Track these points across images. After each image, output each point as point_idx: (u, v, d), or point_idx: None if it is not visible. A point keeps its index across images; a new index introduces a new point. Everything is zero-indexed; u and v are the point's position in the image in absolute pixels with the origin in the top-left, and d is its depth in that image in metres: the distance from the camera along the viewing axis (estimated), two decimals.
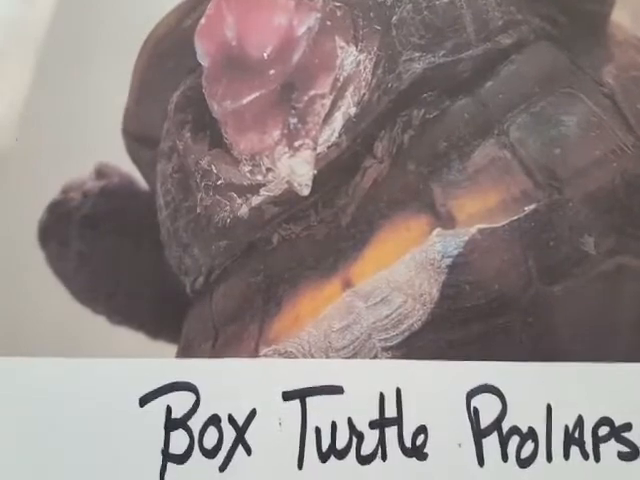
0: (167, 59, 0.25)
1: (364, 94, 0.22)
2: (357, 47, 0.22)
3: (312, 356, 0.21)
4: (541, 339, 0.21)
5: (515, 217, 0.21)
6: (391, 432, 0.19)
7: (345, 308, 0.21)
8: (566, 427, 0.20)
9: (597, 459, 0.19)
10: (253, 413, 0.20)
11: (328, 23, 0.23)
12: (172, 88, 0.25)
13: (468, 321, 0.20)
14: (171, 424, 0.19)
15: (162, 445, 0.19)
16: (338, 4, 0.23)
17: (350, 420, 0.20)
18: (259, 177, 0.22)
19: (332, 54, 0.22)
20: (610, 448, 0.19)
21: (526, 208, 0.21)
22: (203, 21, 0.23)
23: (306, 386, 0.20)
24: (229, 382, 0.20)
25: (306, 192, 0.21)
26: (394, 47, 0.22)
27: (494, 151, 0.21)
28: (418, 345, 0.20)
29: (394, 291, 0.21)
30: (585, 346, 0.21)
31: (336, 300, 0.21)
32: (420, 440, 0.19)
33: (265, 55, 0.22)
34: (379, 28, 0.23)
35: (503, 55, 0.23)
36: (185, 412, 0.20)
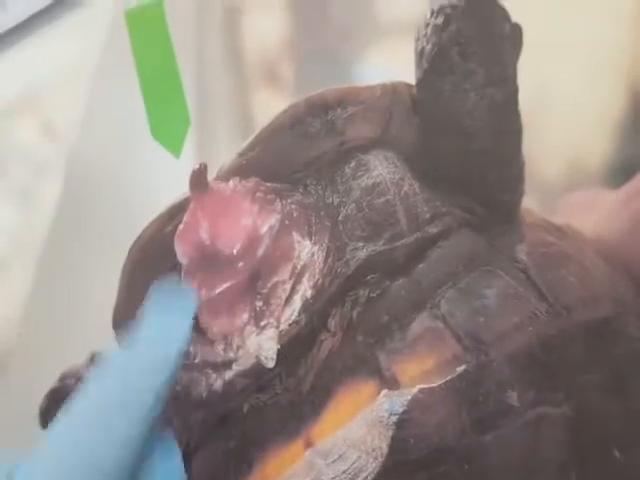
0: (151, 260, 0.27)
1: (318, 279, 0.25)
2: (311, 240, 0.25)
3: None
4: None
5: (449, 377, 0.23)
6: None
7: (307, 466, 0.23)
8: None
9: None
10: None
11: (286, 222, 0.26)
12: None
13: (414, 471, 0.22)
14: None
15: None
16: (294, 206, 0.26)
17: None
18: (231, 354, 0.25)
19: (290, 247, 0.26)
20: None
21: (457, 369, 0.23)
22: (181, 227, 0.25)
23: None
24: None
25: (271, 364, 0.24)
26: (342, 239, 0.26)
27: (428, 322, 0.24)
28: None
29: (349, 448, 0.23)
30: None
31: (299, 459, 0.23)
32: None
33: (234, 251, 0.25)
34: (329, 224, 0.26)
35: (432, 242, 0.26)
36: None
